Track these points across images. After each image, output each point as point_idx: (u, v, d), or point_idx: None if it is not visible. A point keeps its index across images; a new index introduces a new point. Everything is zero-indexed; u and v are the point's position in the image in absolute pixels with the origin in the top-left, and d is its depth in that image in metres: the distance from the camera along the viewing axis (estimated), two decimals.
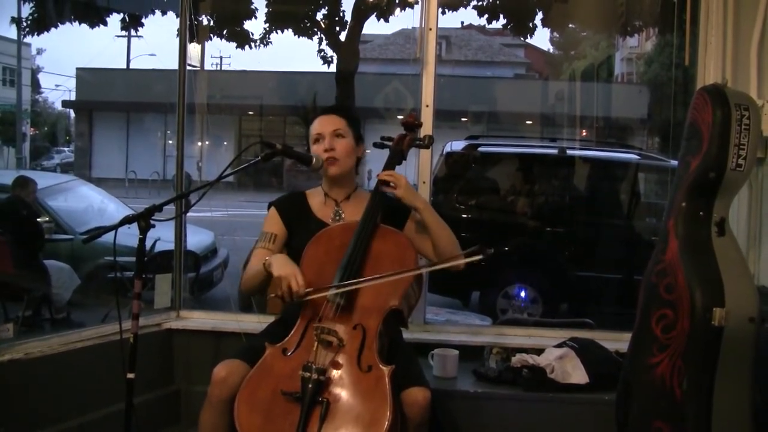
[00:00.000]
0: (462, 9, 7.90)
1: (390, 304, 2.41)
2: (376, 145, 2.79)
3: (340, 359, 2.30)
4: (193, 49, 3.94)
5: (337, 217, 2.69)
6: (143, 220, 2.30)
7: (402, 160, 2.73)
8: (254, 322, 3.43)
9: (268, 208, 2.76)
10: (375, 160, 2.96)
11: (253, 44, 8.80)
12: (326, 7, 8.71)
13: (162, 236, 4.15)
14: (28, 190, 6.02)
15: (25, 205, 5.91)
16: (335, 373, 2.27)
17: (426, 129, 3.38)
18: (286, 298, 2.35)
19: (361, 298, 2.41)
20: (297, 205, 2.74)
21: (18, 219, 5.81)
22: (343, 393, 2.24)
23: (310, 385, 2.20)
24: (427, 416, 2.35)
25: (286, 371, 2.29)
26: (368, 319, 2.38)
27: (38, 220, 6.21)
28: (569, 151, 7.24)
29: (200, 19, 4.49)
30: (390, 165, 2.68)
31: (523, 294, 6.41)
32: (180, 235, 3.90)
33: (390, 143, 2.76)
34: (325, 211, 2.72)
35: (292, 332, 2.41)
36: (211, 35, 8.22)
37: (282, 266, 2.39)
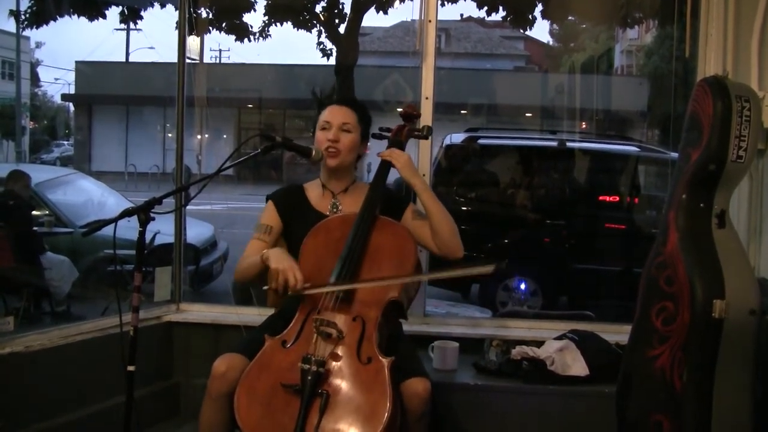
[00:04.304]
0: (461, 1, 7.94)
1: (389, 295, 2.41)
2: (374, 135, 2.80)
3: (340, 351, 2.29)
4: (192, 42, 3.94)
5: (335, 209, 2.69)
6: (143, 212, 2.29)
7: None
8: (254, 315, 3.43)
9: (266, 201, 2.76)
10: (375, 154, 2.95)
11: (252, 37, 8.79)
12: (325, 0, 8.70)
13: (162, 229, 4.14)
14: (22, 183, 6.00)
15: (18, 197, 5.90)
16: (335, 365, 2.27)
17: (425, 121, 3.38)
18: (280, 291, 2.35)
19: (360, 291, 2.41)
20: (294, 198, 2.73)
21: (11, 212, 5.81)
22: (342, 385, 2.23)
23: (309, 377, 2.20)
24: (427, 408, 2.35)
25: (286, 363, 2.29)
26: (368, 311, 2.38)
27: (34, 213, 6.21)
28: (569, 144, 7.24)
29: (199, 11, 4.47)
30: None
31: (523, 286, 6.41)
32: (180, 228, 3.90)
33: (388, 134, 2.77)
34: (322, 203, 2.71)
35: (291, 324, 2.41)
36: (210, 28, 8.22)
37: (280, 260, 2.39)
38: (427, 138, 2.98)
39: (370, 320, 2.36)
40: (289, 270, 2.35)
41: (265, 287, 2.42)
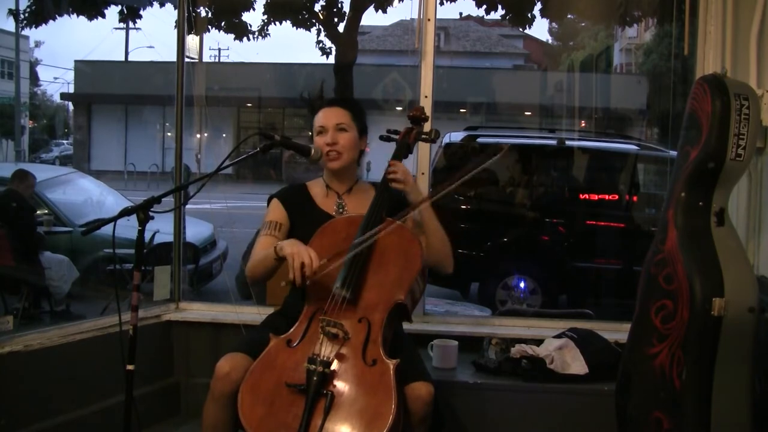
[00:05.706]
0: (460, 0, 7.91)
1: (396, 298, 2.40)
2: (382, 138, 2.79)
3: (345, 352, 2.29)
4: (192, 40, 3.94)
5: (341, 210, 2.69)
6: (142, 211, 2.29)
7: (408, 154, 2.74)
8: (253, 314, 3.43)
9: (269, 202, 2.74)
10: (376, 152, 2.95)
11: (251, 36, 8.78)
12: None
13: (161, 228, 4.16)
14: (27, 183, 6.00)
15: (20, 198, 5.89)
16: (340, 366, 2.26)
17: None
18: (298, 279, 2.30)
19: (366, 292, 2.41)
20: (299, 197, 2.72)
21: (12, 212, 5.80)
22: (347, 386, 2.23)
23: (315, 378, 2.19)
24: (430, 410, 2.36)
25: (290, 363, 2.29)
26: (373, 313, 2.37)
27: (36, 213, 6.21)
28: (568, 142, 7.24)
29: (198, 10, 4.48)
30: (396, 158, 2.67)
31: (522, 285, 6.41)
32: (179, 227, 3.90)
33: (396, 137, 2.76)
34: (327, 202, 2.71)
35: (296, 324, 2.40)
36: (210, 27, 8.21)
37: (294, 245, 2.36)
38: (435, 142, 2.96)
39: (375, 322, 2.35)
40: (304, 251, 2.31)
41: (282, 283, 2.39)
